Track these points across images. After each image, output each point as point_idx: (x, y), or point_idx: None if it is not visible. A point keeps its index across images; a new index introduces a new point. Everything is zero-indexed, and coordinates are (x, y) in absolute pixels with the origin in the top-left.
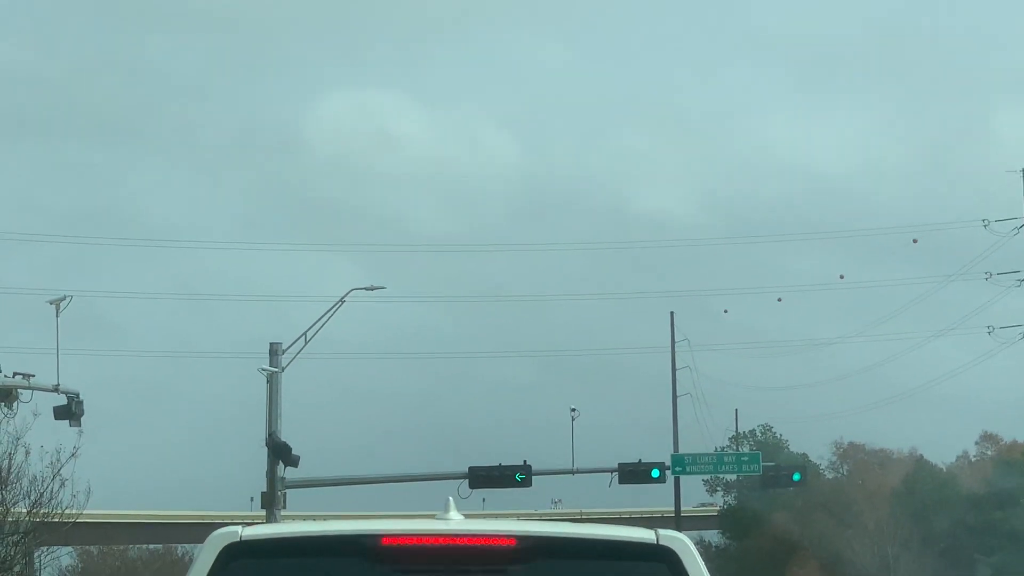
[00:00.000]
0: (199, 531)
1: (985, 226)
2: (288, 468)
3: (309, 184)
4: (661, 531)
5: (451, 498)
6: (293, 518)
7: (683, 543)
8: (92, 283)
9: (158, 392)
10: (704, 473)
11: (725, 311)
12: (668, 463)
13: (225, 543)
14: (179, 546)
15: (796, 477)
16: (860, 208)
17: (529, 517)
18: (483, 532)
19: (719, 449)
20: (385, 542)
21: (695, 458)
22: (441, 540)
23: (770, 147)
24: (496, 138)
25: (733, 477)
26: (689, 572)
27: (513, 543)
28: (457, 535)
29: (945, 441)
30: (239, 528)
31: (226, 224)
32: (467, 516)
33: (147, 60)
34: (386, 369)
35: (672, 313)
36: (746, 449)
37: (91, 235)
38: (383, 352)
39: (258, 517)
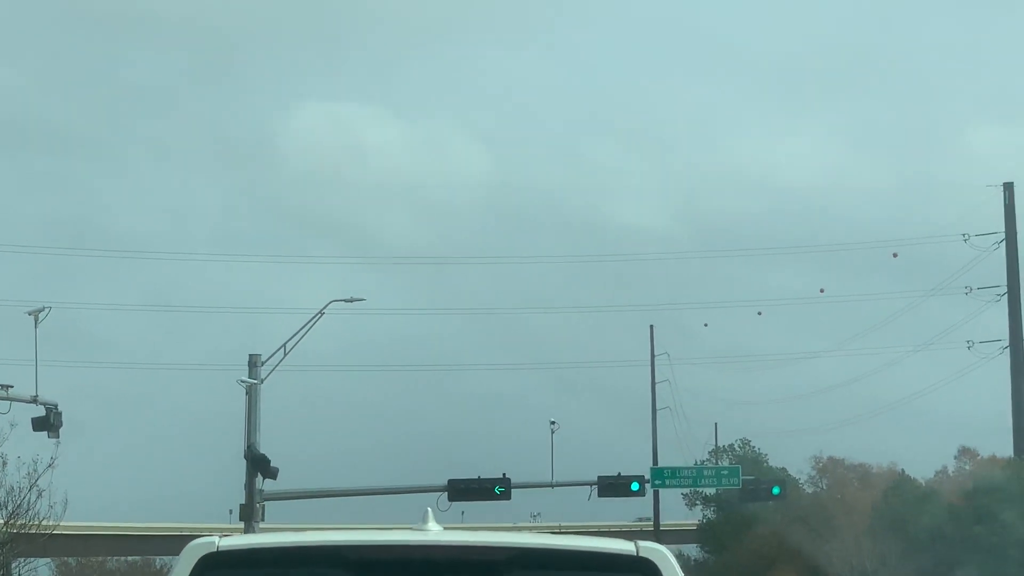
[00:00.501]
0: (177, 543)
1: (965, 240)
2: (267, 480)
3: (284, 196)
4: (641, 543)
5: (430, 509)
6: (271, 531)
7: (662, 554)
8: (68, 295)
9: (136, 404)
10: (684, 486)
11: (705, 324)
12: (647, 476)
13: (202, 553)
14: (157, 558)
15: (776, 491)
16: (836, 223)
17: (509, 530)
18: (462, 543)
19: (698, 463)
20: (363, 553)
21: (674, 471)
22: (420, 551)
23: (744, 161)
24: (470, 150)
25: (712, 491)
26: None
27: (492, 554)
28: (436, 546)
29: (924, 456)
30: (216, 538)
31: (202, 236)
32: (446, 528)
33: (121, 70)
34: (365, 382)
35: (652, 327)
36: (725, 463)
37: (66, 246)
38: (362, 364)
39: (236, 530)
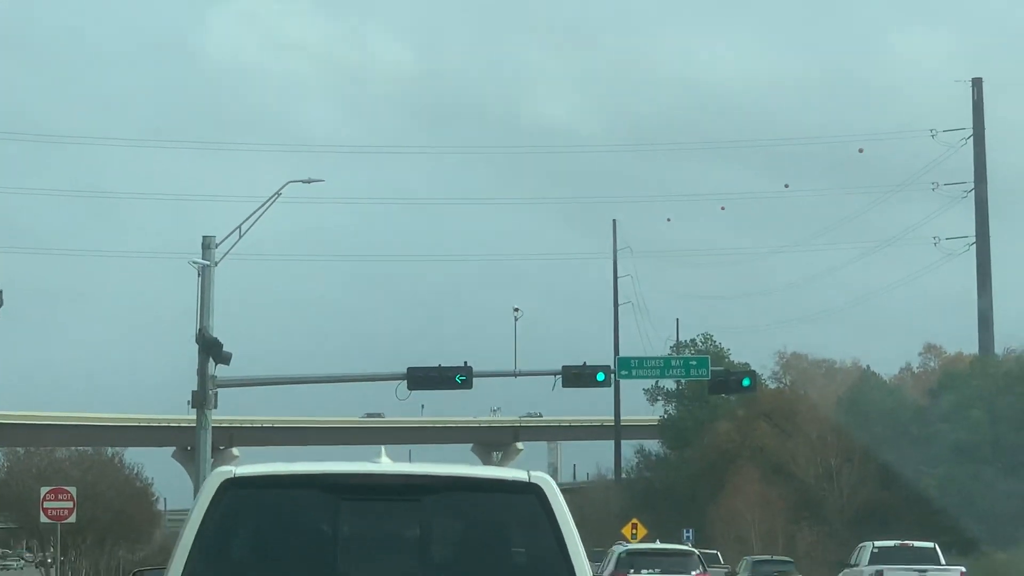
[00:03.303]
0: (130, 433)
1: (933, 136)
2: (220, 367)
3: (207, 89)
4: (532, 472)
5: (383, 447)
6: (230, 421)
7: (547, 481)
8: None
9: (82, 293)
10: (651, 377)
11: (668, 219)
12: (614, 366)
13: (223, 479)
14: (109, 448)
15: (746, 382)
16: (767, 121)
17: (467, 425)
18: (404, 472)
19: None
20: (337, 479)
21: (641, 361)
22: (376, 478)
23: (669, 60)
24: (391, 46)
25: (674, 385)
26: (551, 503)
27: (425, 481)
28: (387, 474)
29: (888, 353)
30: (233, 468)
31: (128, 129)
32: (395, 462)
33: None
34: (321, 273)
35: (615, 221)
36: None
37: None
38: (315, 255)
39: (190, 420)
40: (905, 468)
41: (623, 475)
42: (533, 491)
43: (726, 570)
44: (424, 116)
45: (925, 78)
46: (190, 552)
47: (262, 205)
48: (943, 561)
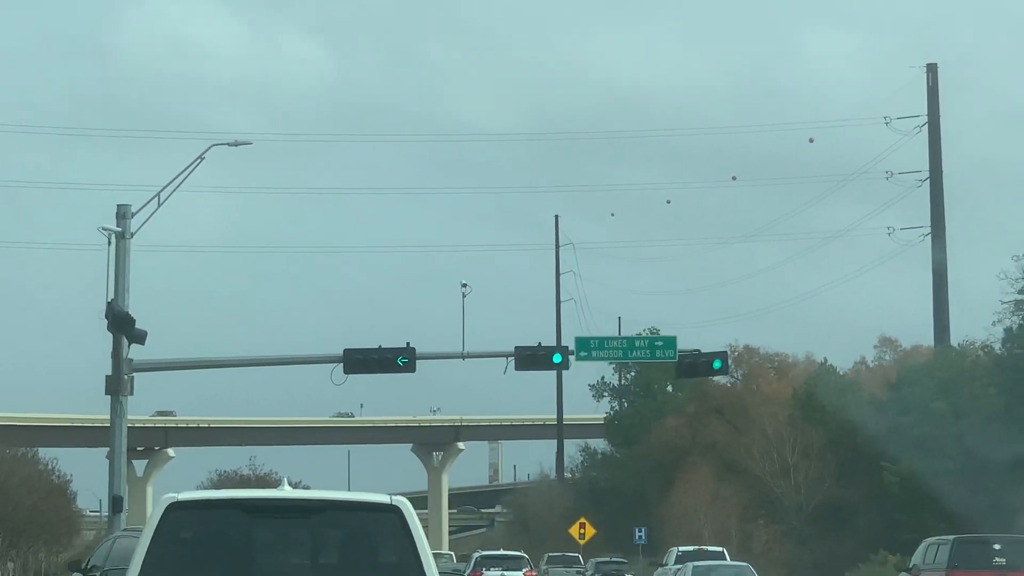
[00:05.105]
0: (61, 434)
1: (887, 124)
2: (135, 347)
3: (121, 91)
4: (394, 496)
5: (285, 478)
6: (165, 421)
7: (405, 504)
8: None
9: (6, 292)
10: (613, 359)
11: (612, 214)
12: (572, 347)
13: (169, 502)
14: (22, 449)
15: (717, 364)
16: (702, 120)
17: (407, 424)
18: (299, 496)
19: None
20: (251, 502)
21: (603, 342)
22: (279, 502)
23: (583, 60)
24: (307, 47)
25: (619, 383)
26: (407, 520)
27: (313, 504)
28: (286, 498)
29: (840, 347)
30: (177, 494)
31: (40, 126)
32: (293, 488)
33: None
34: (255, 268)
35: (557, 216)
36: None
37: None
38: (248, 247)
39: (104, 419)
40: (864, 464)
41: (567, 474)
42: (393, 511)
43: (582, 570)
44: (343, 115)
45: (867, 75)
46: (144, 558)
47: (184, 171)
48: (728, 560)
